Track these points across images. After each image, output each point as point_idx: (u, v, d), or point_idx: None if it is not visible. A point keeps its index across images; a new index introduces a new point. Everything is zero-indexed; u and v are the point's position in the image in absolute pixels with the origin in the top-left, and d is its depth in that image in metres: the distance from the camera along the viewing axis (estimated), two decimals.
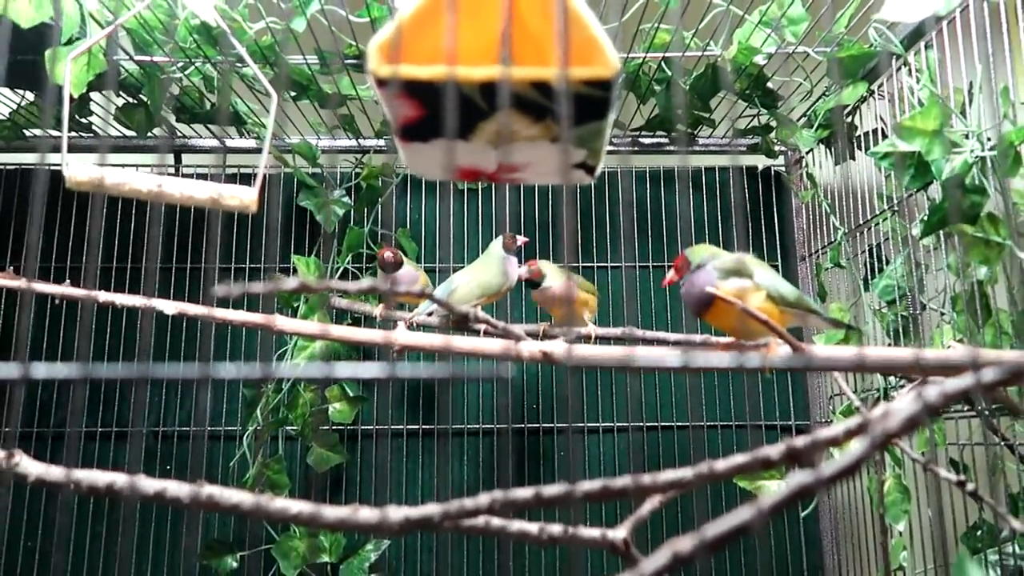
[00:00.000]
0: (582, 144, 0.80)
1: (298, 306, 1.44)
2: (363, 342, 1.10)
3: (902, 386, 1.28)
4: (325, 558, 1.45)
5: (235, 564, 1.48)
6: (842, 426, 0.62)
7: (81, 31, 1.09)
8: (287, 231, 1.64)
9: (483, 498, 0.53)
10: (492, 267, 1.38)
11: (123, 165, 1.63)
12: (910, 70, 1.20)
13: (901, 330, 1.26)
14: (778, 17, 1.18)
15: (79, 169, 0.83)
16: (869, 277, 1.36)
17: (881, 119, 1.36)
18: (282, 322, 1.16)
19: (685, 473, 0.54)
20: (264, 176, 0.91)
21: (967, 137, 1.05)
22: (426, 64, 0.70)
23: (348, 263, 1.56)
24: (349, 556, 1.48)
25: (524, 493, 0.52)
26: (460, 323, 1.34)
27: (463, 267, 1.61)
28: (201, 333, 1.61)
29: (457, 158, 0.85)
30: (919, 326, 1.24)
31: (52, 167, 1.60)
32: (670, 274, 1.08)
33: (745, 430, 1.61)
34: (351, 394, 1.51)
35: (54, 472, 0.60)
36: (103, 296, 1.10)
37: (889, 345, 1.31)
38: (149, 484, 0.55)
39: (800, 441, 0.56)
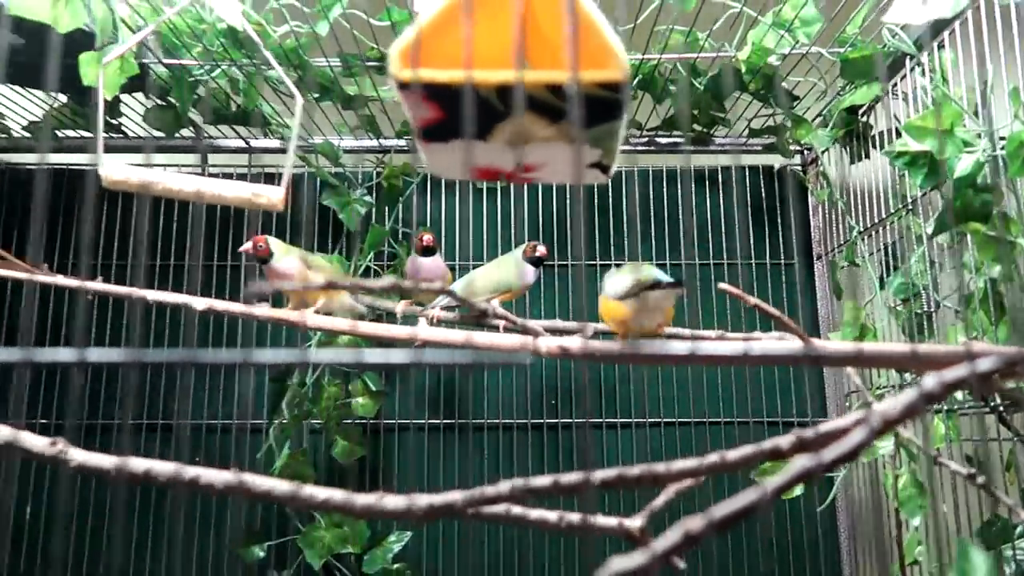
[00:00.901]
0: (597, 144, 0.83)
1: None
2: (389, 338, 1.14)
3: (918, 383, 1.29)
4: (349, 548, 1.49)
5: (262, 553, 1.52)
6: (851, 417, 0.64)
7: (113, 36, 1.13)
8: (310, 230, 1.68)
9: (503, 485, 0.55)
10: (508, 268, 1.41)
11: (151, 165, 1.68)
12: (923, 70, 1.21)
13: (916, 328, 1.27)
14: (792, 18, 1.19)
15: (113, 169, 0.86)
16: (884, 275, 1.37)
17: (896, 118, 1.38)
18: (313, 319, 1.20)
19: (698, 462, 0.57)
20: (290, 176, 0.94)
21: (979, 136, 1.06)
22: (446, 68, 0.73)
23: (370, 261, 1.59)
24: (373, 547, 1.51)
25: (543, 480, 0.55)
26: (478, 318, 1.36)
27: (482, 264, 1.65)
28: (242, 329, 1.65)
29: (475, 158, 0.88)
30: (934, 324, 1.25)
31: (84, 167, 1.66)
32: None
33: (762, 427, 1.62)
34: (374, 388, 1.54)
35: (96, 459, 0.63)
36: (137, 292, 1.15)
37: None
38: (187, 471, 0.58)
39: (810, 432, 0.58)
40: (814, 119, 1.50)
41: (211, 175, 1.69)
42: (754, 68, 1.29)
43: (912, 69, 1.25)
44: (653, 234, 1.70)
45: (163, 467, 0.59)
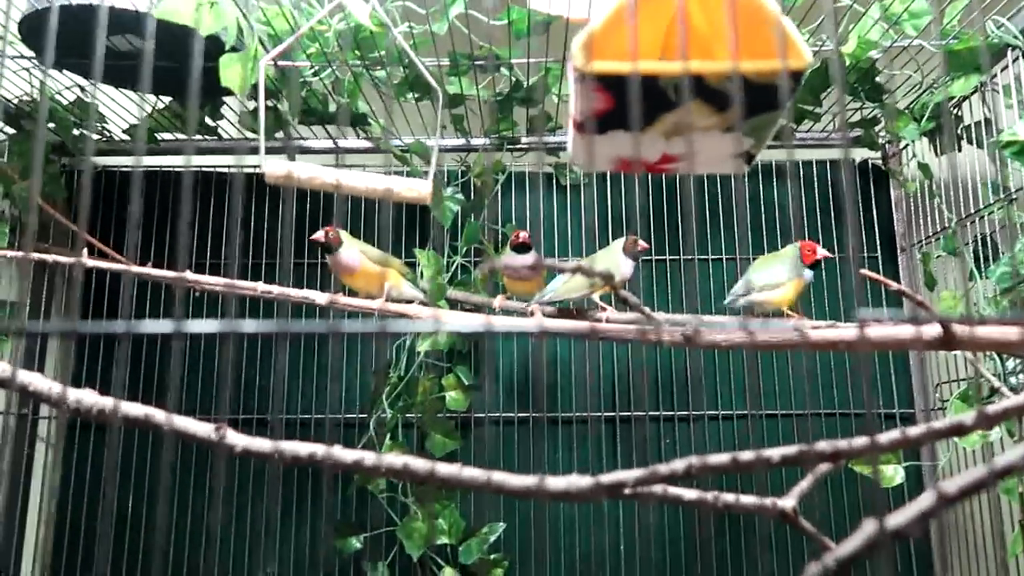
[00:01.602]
0: (752, 133, 0.85)
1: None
2: (506, 329, 1.16)
3: (1021, 371, 1.30)
4: (445, 540, 1.52)
5: (359, 545, 1.55)
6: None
7: (239, 41, 1.17)
8: (398, 226, 1.72)
9: (678, 463, 0.57)
10: (608, 261, 1.43)
11: (241, 167, 1.73)
12: None
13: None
14: (900, 12, 1.21)
15: (274, 165, 0.90)
16: (983, 265, 1.38)
17: (990, 110, 1.39)
18: (439, 314, 1.22)
19: (878, 440, 0.59)
20: (434, 169, 0.97)
21: None
22: (625, 61, 0.75)
23: (461, 257, 1.62)
24: (468, 538, 1.54)
25: (721, 458, 0.57)
26: (579, 312, 1.39)
27: (567, 260, 1.67)
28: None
29: (626, 148, 0.90)
30: None
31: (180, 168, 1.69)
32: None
33: (849, 418, 1.63)
34: (466, 382, 1.57)
35: (259, 444, 0.66)
36: (262, 287, 1.18)
37: None
38: (347, 454, 0.60)
39: (991, 409, 0.60)
40: (903, 112, 1.51)
41: None
42: (855, 62, 1.30)
43: (1015, 60, 1.26)
44: (736, 229, 1.71)
45: (324, 450, 0.60)
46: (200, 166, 1.74)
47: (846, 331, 0.94)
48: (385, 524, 1.57)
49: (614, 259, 1.42)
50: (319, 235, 1.36)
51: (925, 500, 0.48)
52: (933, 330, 1.02)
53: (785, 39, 0.74)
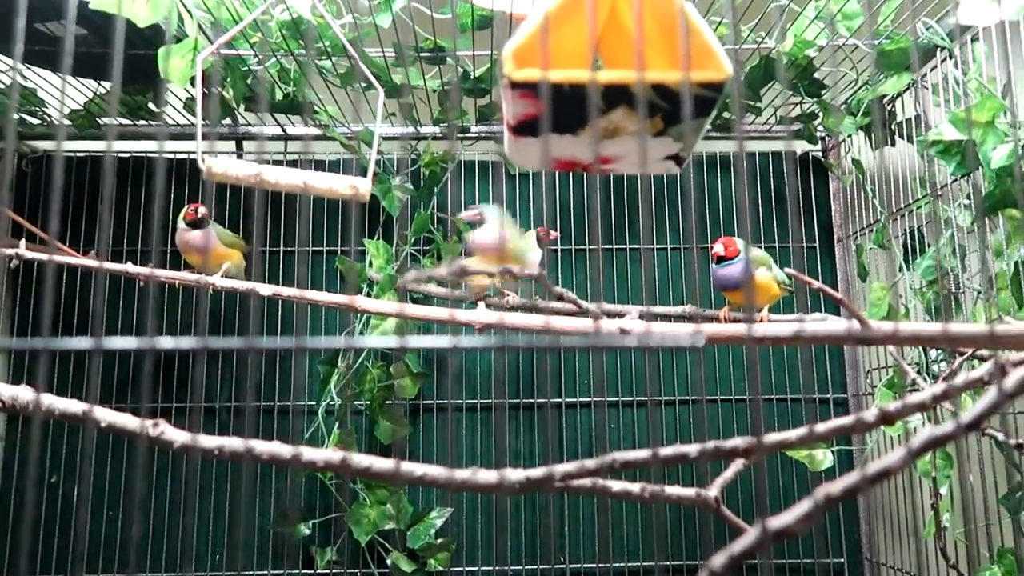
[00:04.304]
0: (681, 138, 0.88)
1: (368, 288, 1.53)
2: (440, 320, 1.19)
3: (943, 360, 1.36)
4: (392, 525, 1.54)
5: (308, 531, 1.57)
6: (928, 392, 0.70)
7: (179, 29, 1.16)
8: (346, 215, 1.72)
9: (605, 458, 0.60)
10: (523, 248, 1.49)
11: (187, 152, 1.71)
12: (956, 62, 1.27)
13: (943, 308, 1.34)
14: (834, 13, 1.25)
15: (215, 162, 0.90)
16: (910, 258, 1.44)
17: (920, 108, 1.44)
18: (363, 302, 1.24)
19: (789, 435, 0.62)
20: (374, 167, 0.99)
21: (1012, 127, 1.13)
22: (554, 68, 0.77)
23: (410, 247, 1.64)
24: (415, 523, 1.56)
25: (641, 454, 0.60)
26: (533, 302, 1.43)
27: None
28: (295, 313, 1.68)
29: (561, 150, 0.93)
30: (961, 304, 1.32)
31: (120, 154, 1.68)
32: (718, 248, 1.42)
33: (785, 403, 1.69)
34: (415, 370, 1.59)
35: (198, 440, 0.67)
36: (171, 276, 1.18)
37: (927, 322, 1.39)
38: (284, 449, 0.62)
39: (892, 407, 0.64)
40: (839, 107, 1.56)
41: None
42: (792, 60, 1.34)
43: (943, 60, 1.31)
44: (680, 219, 1.75)
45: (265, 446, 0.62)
46: (145, 151, 1.72)
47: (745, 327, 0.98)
48: (334, 510, 1.59)
49: (521, 252, 1.48)
50: (203, 211, 1.46)
51: (807, 503, 0.52)
52: (852, 325, 1.07)
53: (708, 52, 0.76)
